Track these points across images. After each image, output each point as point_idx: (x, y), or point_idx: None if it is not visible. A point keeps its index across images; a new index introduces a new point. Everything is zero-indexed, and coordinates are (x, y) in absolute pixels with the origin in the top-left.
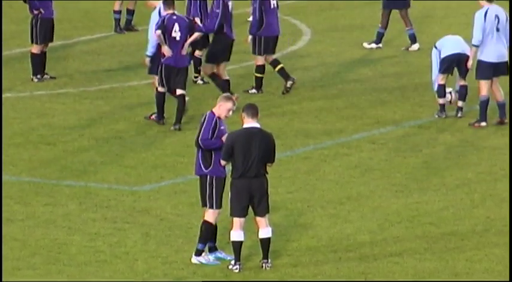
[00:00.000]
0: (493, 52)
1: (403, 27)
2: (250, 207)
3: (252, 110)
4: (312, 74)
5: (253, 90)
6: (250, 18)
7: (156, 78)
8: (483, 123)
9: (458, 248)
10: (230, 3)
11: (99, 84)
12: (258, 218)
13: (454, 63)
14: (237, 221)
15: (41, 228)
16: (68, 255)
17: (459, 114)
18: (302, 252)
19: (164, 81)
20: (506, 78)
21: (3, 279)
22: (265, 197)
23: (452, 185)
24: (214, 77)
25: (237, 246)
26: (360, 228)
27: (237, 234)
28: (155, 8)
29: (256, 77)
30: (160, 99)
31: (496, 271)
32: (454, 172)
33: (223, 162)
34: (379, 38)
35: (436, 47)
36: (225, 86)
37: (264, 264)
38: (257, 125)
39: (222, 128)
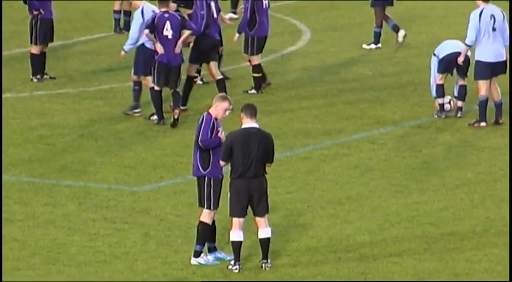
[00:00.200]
0: (491, 52)
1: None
2: (249, 208)
3: (251, 110)
4: (311, 74)
5: (253, 91)
6: (227, 16)
7: (147, 78)
8: (483, 124)
9: (458, 248)
10: (212, 4)
11: (98, 84)
12: (258, 218)
13: (453, 63)
14: (237, 221)
15: (41, 229)
16: (68, 255)
17: (459, 114)
18: (302, 252)
19: (158, 78)
20: (506, 78)
21: (3, 279)
22: (265, 197)
23: (451, 185)
24: (189, 80)
25: (237, 246)
26: (359, 228)
27: (236, 235)
28: (138, 7)
29: (254, 77)
30: (157, 98)
31: (495, 271)
32: (453, 172)
33: (222, 163)
34: (376, 38)
35: (434, 54)
36: (186, 91)
37: (263, 265)
38: (256, 125)
39: (219, 129)
